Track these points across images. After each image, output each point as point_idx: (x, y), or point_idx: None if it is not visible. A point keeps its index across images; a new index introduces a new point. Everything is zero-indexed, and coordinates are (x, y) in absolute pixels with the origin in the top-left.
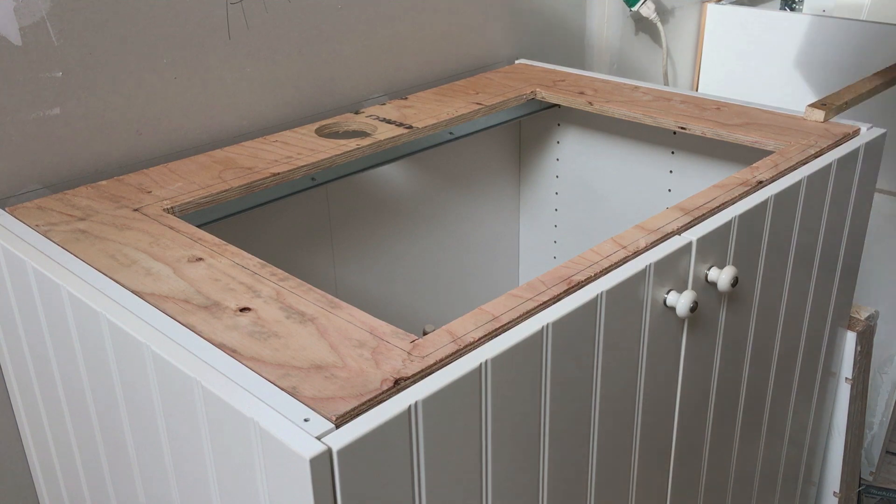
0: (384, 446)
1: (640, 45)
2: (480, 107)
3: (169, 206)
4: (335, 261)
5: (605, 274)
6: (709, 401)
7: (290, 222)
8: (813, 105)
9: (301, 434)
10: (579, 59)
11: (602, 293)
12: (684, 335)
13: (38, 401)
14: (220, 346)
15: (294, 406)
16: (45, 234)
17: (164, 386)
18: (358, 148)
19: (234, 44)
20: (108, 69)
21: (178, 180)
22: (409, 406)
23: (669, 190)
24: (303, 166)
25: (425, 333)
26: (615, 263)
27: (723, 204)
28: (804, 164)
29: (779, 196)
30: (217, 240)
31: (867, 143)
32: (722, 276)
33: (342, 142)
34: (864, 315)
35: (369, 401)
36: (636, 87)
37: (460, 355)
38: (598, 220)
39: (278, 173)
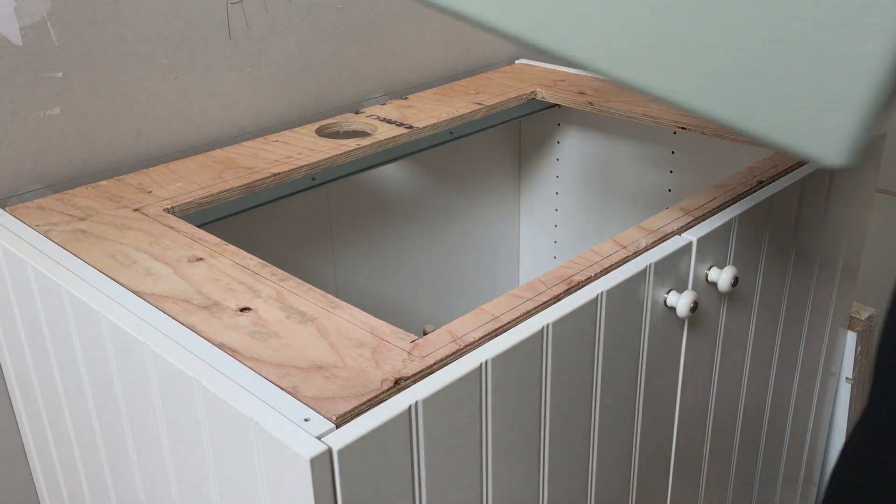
0: (384, 446)
1: None
2: (480, 107)
3: (169, 206)
4: (335, 261)
5: (606, 274)
6: (709, 400)
7: (291, 222)
8: None
9: (301, 434)
10: None
11: (602, 293)
12: (684, 335)
13: (39, 401)
14: (221, 346)
15: (294, 406)
16: (45, 234)
17: (164, 386)
18: (358, 148)
19: (235, 44)
20: (108, 69)
21: (179, 180)
22: (410, 406)
23: (669, 190)
24: (303, 166)
25: (425, 333)
26: (615, 263)
27: (723, 204)
28: (804, 164)
29: (779, 196)
30: (217, 240)
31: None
32: (722, 277)
33: (342, 142)
34: (864, 315)
35: (370, 400)
36: None
37: (460, 355)
38: (599, 220)
39: (278, 173)
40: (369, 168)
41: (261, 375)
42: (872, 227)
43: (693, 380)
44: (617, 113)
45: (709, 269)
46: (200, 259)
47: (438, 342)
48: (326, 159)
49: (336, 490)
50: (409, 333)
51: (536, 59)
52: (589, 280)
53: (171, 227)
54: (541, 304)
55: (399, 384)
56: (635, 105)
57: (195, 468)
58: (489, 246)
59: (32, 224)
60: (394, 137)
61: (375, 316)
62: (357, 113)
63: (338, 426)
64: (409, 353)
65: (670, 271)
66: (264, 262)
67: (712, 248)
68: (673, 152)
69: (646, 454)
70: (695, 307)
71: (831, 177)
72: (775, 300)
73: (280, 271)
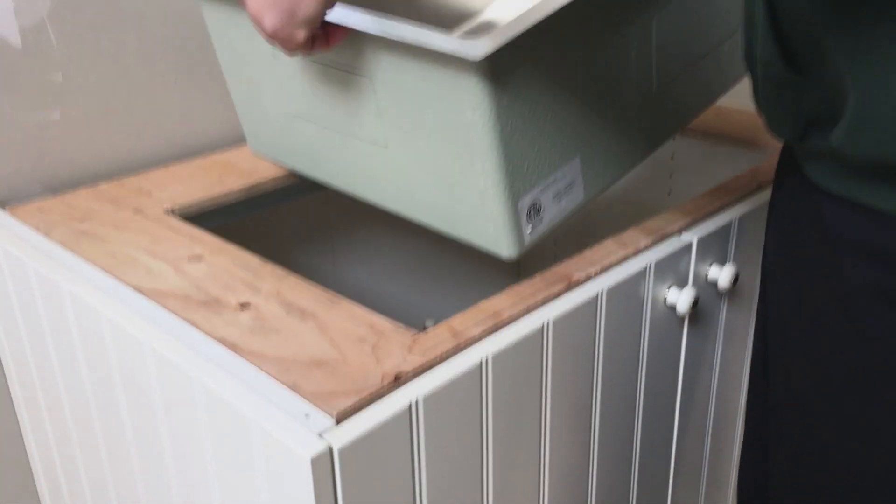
0: (385, 443)
1: None
2: None
3: (169, 209)
4: (335, 260)
5: (606, 272)
6: (709, 399)
7: (291, 223)
8: None
9: (302, 431)
10: None
11: (603, 291)
12: (685, 333)
13: (40, 400)
14: (221, 343)
15: (295, 402)
16: (45, 235)
17: (165, 383)
18: None
19: None
20: (108, 72)
21: (179, 183)
22: (410, 403)
23: (669, 191)
24: None
25: (426, 329)
26: (616, 262)
27: (723, 206)
28: None
29: None
30: (217, 239)
31: None
32: (722, 275)
33: None
34: None
35: (370, 396)
36: None
37: (461, 350)
38: (599, 221)
39: (278, 176)
40: None
41: (261, 371)
42: None
43: (693, 377)
44: None
45: (709, 268)
46: (200, 257)
47: (439, 337)
48: None
49: (336, 489)
50: (409, 329)
51: None
52: (589, 278)
53: (171, 228)
54: (541, 301)
55: (399, 379)
56: None
57: (195, 465)
58: None
59: (33, 225)
60: None
61: (375, 312)
62: None
63: (338, 422)
64: (409, 348)
65: (670, 270)
66: (264, 260)
67: (712, 249)
68: (673, 155)
69: (646, 450)
70: (695, 304)
71: None
72: None
73: (280, 269)
